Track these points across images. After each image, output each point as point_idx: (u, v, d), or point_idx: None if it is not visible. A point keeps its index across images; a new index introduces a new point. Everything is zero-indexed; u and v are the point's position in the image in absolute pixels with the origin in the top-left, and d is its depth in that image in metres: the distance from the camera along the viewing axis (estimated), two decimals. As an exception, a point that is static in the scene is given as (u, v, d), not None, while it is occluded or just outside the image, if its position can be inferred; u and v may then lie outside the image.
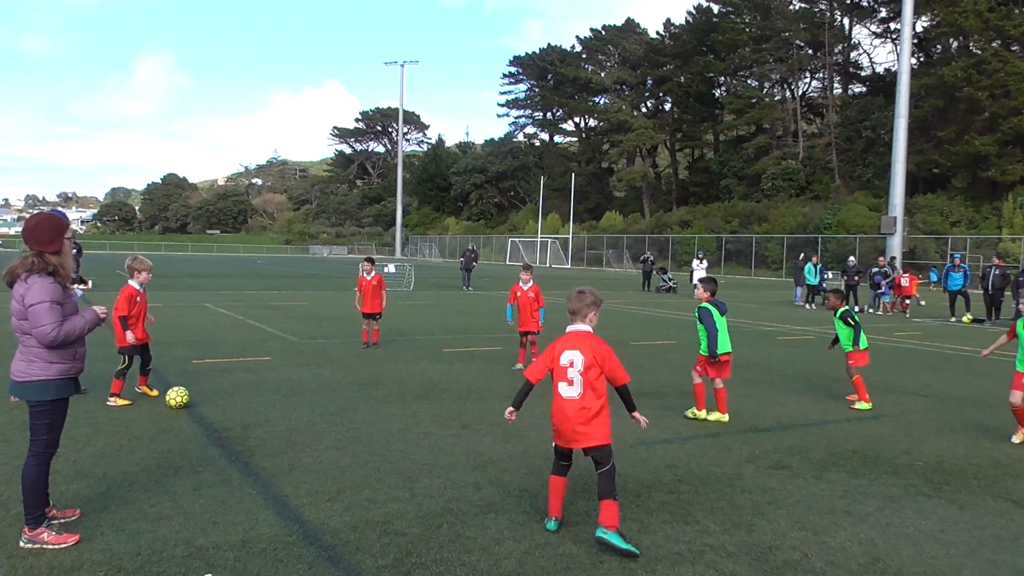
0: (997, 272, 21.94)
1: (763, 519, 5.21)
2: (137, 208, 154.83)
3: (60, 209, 13.69)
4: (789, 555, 4.60)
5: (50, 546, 4.45)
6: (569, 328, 4.86)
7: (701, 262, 31.03)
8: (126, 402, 8.32)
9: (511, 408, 4.84)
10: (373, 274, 13.14)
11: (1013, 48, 52.01)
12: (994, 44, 51.57)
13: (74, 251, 9.01)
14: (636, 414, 4.90)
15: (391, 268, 33.65)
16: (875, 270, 25.18)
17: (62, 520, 4.80)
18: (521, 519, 5.09)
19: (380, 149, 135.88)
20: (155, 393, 8.74)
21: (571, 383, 4.66)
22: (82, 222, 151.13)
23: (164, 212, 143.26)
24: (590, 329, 4.84)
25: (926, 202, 50.72)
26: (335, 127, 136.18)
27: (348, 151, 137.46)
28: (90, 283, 10.90)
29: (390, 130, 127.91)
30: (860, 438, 7.58)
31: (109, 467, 6.02)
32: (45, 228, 4.57)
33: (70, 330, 4.51)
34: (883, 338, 16.83)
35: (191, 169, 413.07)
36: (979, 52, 51.40)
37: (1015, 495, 5.90)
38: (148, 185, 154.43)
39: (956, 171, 52.30)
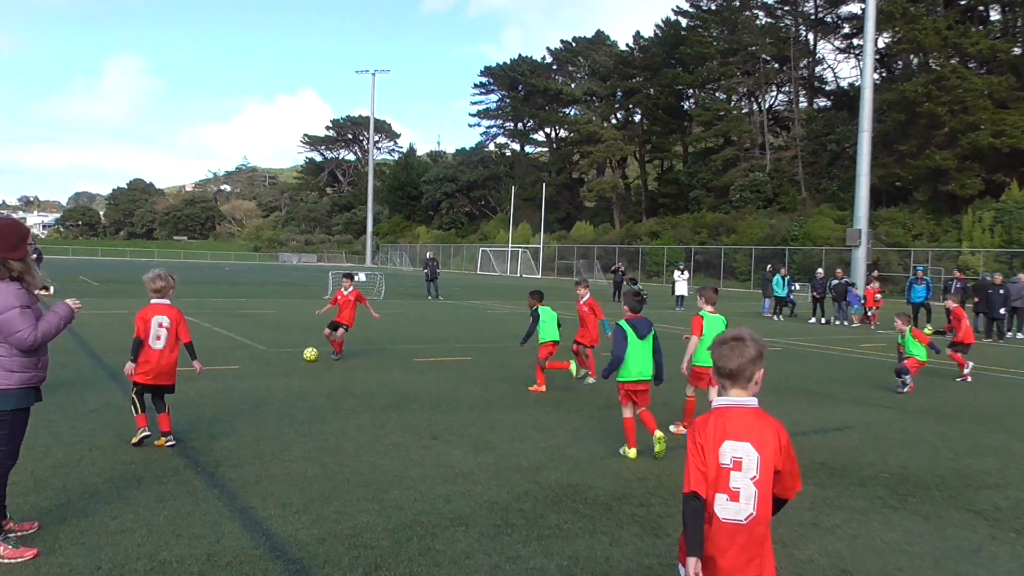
0: (959, 285, 22.42)
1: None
2: (101, 213, 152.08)
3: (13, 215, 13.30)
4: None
5: (6, 560, 4.32)
6: (721, 401, 3.04)
7: (683, 273, 31.21)
8: (142, 435, 6.84)
9: (694, 560, 2.86)
10: (351, 289, 13.17)
11: (971, 65, 53.39)
12: (953, 61, 52.87)
13: (34, 256, 8.82)
14: None
15: (361, 276, 33.40)
16: (835, 281, 25.58)
17: (19, 533, 4.66)
18: (491, 532, 5.06)
19: (351, 157, 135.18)
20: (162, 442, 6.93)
21: (735, 496, 2.90)
22: (44, 227, 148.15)
23: (129, 218, 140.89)
24: (757, 404, 3.04)
25: (889, 215, 51.68)
26: (306, 135, 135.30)
27: (319, 159, 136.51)
28: (51, 288, 10.38)
29: (361, 138, 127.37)
30: (827, 450, 7.66)
31: (69, 478, 5.87)
32: (8, 234, 4.46)
33: (47, 330, 4.41)
34: (849, 350, 17.07)
35: (158, 174, 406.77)
36: (939, 68, 52.65)
37: (977, 506, 5.99)
38: (113, 190, 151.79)
39: (918, 185, 53.40)
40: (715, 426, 2.97)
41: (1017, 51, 54.07)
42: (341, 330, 12.97)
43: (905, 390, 11.15)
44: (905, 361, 11.50)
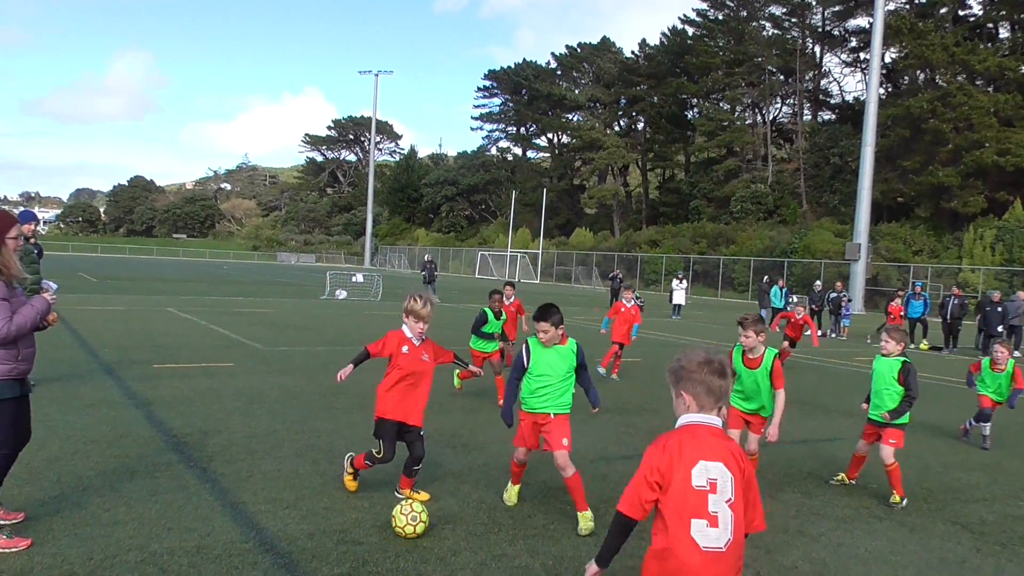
0: (956, 302, 22.49)
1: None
2: (101, 210, 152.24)
3: (27, 209, 13.21)
4: (743, 573, 4.68)
5: (1, 549, 4.37)
6: (691, 418, 2.86)
7: (680, 282, 31.25)
8: (351, 485, 5.70)
9: (595, 569, 3.07)
10: (513, 299, 12.03)
11: (978, 82, 53.45)
12: (959, 78, 52.95)
13: (35, 252, 8.87)
14: None
15: (359, 277, 33.50)
16: (833, 294, 25.63)
17: (9, 522, 4.71)
18: (479, 530, 5.12)
19: (352, 158, 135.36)
20: (425, 496, 5.72)
21: (715, 521, 2.71)
22: (44, 223, 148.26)
23: (129, 215, 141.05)
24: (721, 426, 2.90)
25: (890, 230, 51.77)
26: (307, 134, 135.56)
27: (319, 159, 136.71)
28: (55, 286, 9.95)
29: (362, 139, 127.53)
30: (815, 460, 7.71)
31: (63, 471, 5.92)
32: None
33: (21, 323, 4.41)
34: (843, 363, 17.14)
35: (159, 172, 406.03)
36: (945, 85, 52.73)
37: (963, 519, 6.05)
38: (113, 187, 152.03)
39: (920, 201, 53.45)
40: (688, 444, 2.77)
41: (1025, 69, 54.24)
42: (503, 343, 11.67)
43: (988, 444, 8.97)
44: (984, 400, 9.24)
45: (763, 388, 6.25)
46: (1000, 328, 21.32)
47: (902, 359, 6.60)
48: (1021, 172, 47.62)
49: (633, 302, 12.91)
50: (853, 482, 6.89)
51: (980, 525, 5.97)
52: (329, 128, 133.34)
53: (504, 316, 10.41)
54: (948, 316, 22.13)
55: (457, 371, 9.98)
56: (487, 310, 10.13)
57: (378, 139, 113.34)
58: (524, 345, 5.45)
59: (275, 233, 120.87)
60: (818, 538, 5.40)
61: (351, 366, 5.63)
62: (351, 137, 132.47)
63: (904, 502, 6.32)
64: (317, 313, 22.23)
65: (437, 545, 4.80)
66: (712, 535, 2.69)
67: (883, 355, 6.70)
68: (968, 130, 49.47)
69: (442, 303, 29.67)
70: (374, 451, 5.55)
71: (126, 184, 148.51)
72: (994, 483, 7.28)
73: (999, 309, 21.30)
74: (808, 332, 15.89)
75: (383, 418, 5.52)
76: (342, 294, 29.87)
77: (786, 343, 15.35)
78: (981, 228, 46.29)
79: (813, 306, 25.93)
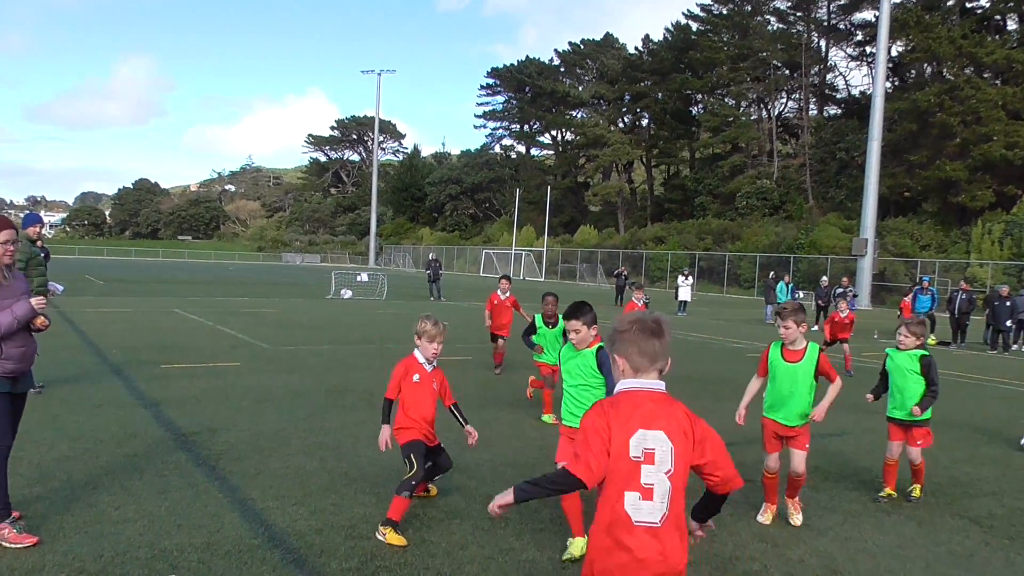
0: (964, 296, 22.41)
1: (725, 530, 5.28)
2: (107, 213, 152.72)
3: (32, 212, 13.22)
4: (749, 566, 4.68)
5: (9, 544, 4.40)
6: (629, 384, 2.64)
7: (687, 278, 31.21)
8: (400, 541, 4.80)
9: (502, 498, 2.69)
10: (508, 294, 12.26)
11: (985, 75, 53.10)
12: (967, 71, 52.59)
13: (41, 255, 8.90)
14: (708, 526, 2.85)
15: (363, 277, 33.55)
16: (839, 290, 25.57)
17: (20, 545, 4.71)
18: (485, 525, 5.13)
19: (355, 158, 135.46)
20: (434, 492, 5.87)
21: (648, 494, 2.50)
22: (50, 226, 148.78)
23: (135, 217, 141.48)
24: (664, 388, 2.66)
25: (896, 225, 51.57)
26: (310, 135, 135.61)
27: (323, 159, 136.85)
28: (61, 288, 9.98)
29: (366, 139, 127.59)
30: (823, 454, 7.70)
31: (73, 470, 5.96)
32: None
33: None
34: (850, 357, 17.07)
35: (164, 174, 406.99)
36: (952, 78, 52.34)
37: (972, 513, 6.03)
38: (119, 190, 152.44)
39: (927, 195, 53.21)
40: (625, 412, 2.55)
41: (1033, 61, 53.88)
42: (501, 341, 11.99)
43: None
44: None
45: (802, 387, 5.53)
46: (1008, 323, 21.25)
47: (921, 352, 6.38)
48: (1030, 166, 47.38)
49: (642, 301, 12.91)
50: (894, 493, 6.37)
51: (989, 519, 5.96)
52: (332, 128, 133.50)
53: (560, 324, 8.35)
54: (956, 311, 22.04)
55: (531, 378, 9.09)
56: (539, 317, 9.24)
57: (381, 139, 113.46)
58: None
59: (280, 234, 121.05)
60: (825, 532, 5.40)
61: (385, 426, 5.23)
62: (354, 137, 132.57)
63: (921, 498, 6.27)
64: (322, 313, 22.27)
65: (445, 540, 4.82)
66: (645, 508, 2.48)
67: (900, 349, 6.46)
68: (976, 123, 49.17)
69: (446, 302, 29.70)
70: (406, 476, 5.01)
71: (131, 187, 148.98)
72: (1003, 478, 7.26)
73: (1008, 304, 21.22)
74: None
75: (406, 442, 5.20)
76: (347, 294, 29.94)
77: (845, 345, 14.49)
78: (989, 222, 46.07)
79: (819, 301, 25.90)
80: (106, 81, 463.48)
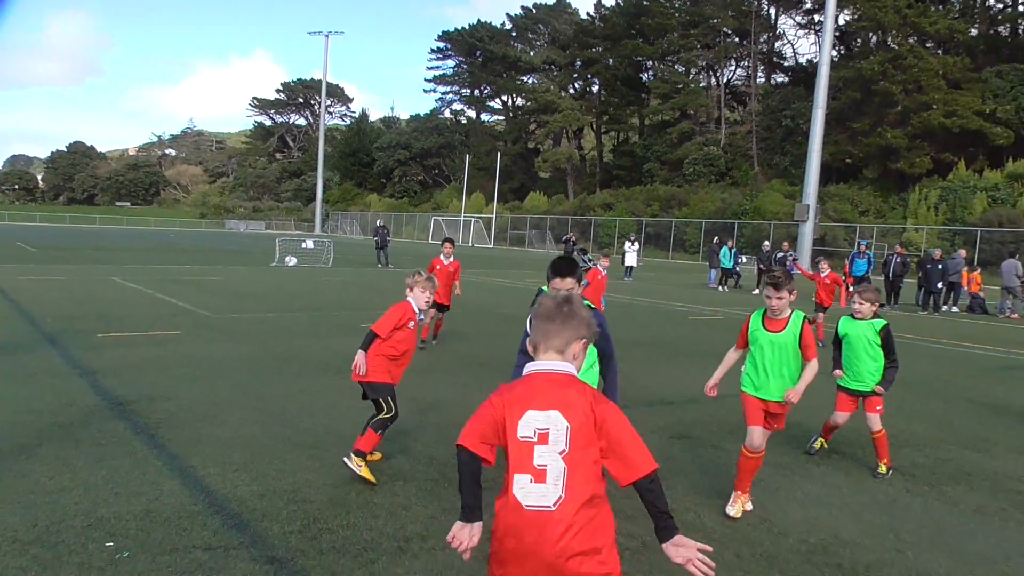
0: (898, 260, 23.14)
1: (662, 484, 5.42)
2: (39, 177, 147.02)
3: None
4: (684, 516, 4.84)
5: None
6: (529, 366, 2.58)
7: (633, 244, 31.54)
8: (371, 477, 5.20)
9: (458, 524, 2.53)
10: (452, 259, 11.91)
11: (928, 45, 54.34)
12: (910, 40, 53.72)
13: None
14: (676, 546, 2.43)
15: (309, 244, 33.11)
16: (780, 254, 26.19)
17: None
18: (429, 486, 5.20)
19: (302, 122, 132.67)
20: (379, 456, 5.76)
21: (541, 475, 2.38)
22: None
23: (69, 182, 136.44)
24: (574, 372, 2.55)
25: (838, 191, 52.78)
26: (255, 98, 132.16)
27: (268, 123, 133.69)
28: None
29: (312, 102, 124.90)
30: (760, 411, 7.93)
31: (4, 440, 5.81)
32: None
33: None
34: (789, 319, 17.55)
35: (100, 137, 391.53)
36: (896, 48, 53.45)
37: (897, 463, 6.30)
38: (52, 153, 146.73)
39: (868, 162, 54.48)
40: (520, 393, 2.47)
41: (974, 32, 55.21)
42: (437, 312, 11.22)
43: None
44: None
45: (786, 356, 5.14)
46: (940, 285, 22.05)
47: (881, 321, 6.16)
48: (966, 134, 48.79)
49: (603, 269, 12.89)
50: (826, 444, 6.52)
51: (912, 468, 6.25)
52: (278, 91, 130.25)
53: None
54: (891, 274, 22.77)
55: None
56: (545, 289, 8.46)
57: (328, 102, 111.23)
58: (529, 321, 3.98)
59: (223, 200, 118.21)
60: (757, 483, 5.57)
61: (362, 353, 5.43)
62: (301, 101, 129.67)
63: (890, 473, 5.97)
64: (267, 280, 21.95)
65: (388, 501, 4.86)
66: (536, 492, 2.34)
67: (856, 318, 6.18)
68: (917, 92, 50.37)
69: (394, 269, 29.54)
70: (381, 415, 5.39)
71: (65, 151, 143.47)
72: (930, 431, 7.59)
73: (939, 267, 22.00)
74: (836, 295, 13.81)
75: (384, 383, 5.45)
76: (292, 261, 29.52)
77: (820, 314, 13.23)
78: (926, 189, 47.49)
79: (761, 266, 26.48)
80: (38, 37, 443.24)
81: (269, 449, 5.85)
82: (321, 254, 31.21)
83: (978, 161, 48.99)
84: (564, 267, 4.38)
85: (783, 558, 4.35)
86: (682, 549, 2.39)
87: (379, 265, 30.67)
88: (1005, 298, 22.01)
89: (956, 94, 49.48)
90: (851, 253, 25.61)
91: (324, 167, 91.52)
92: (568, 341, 2.53)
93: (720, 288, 27.11)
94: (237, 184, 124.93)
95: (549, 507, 2.33)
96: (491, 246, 67.53)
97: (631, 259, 30.69)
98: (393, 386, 5.47)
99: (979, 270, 25.11)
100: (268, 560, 3.97)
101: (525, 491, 2.36)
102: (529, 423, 2.40)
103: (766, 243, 28.74)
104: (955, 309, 22.72)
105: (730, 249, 27.34)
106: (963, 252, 24.74)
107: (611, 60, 77.08)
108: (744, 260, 32.01)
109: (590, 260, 33.16)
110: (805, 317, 5.19)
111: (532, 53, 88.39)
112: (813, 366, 5.12)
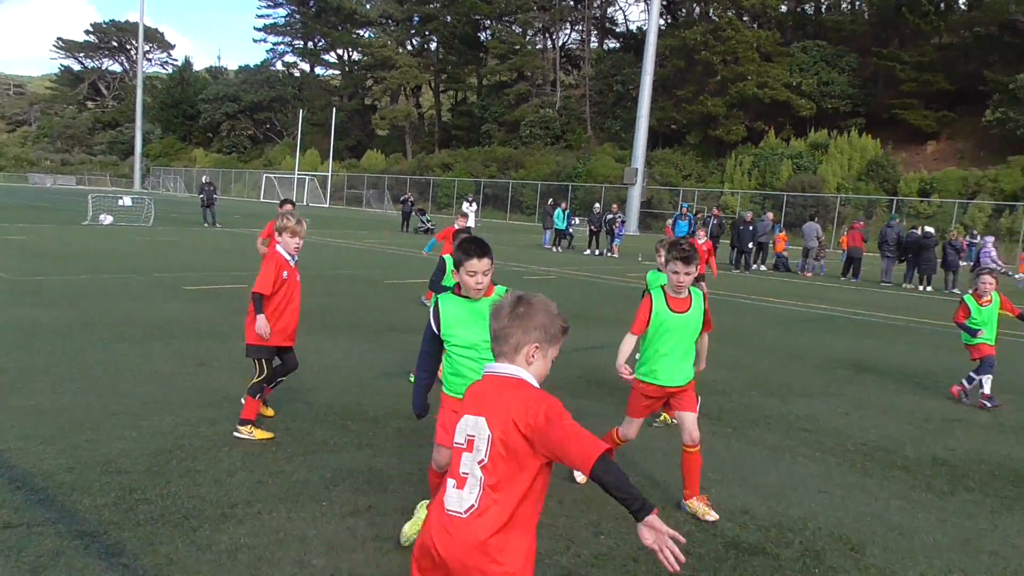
0: (715, 222, 24.87)
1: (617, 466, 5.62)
2: None
3: None
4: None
5: None
6: (486, 368, 2.51)
7: (471, 204, 31.71)
8: (266, 435, 5.32)
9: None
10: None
11: (744, 18, 57.92)
12: (729, 13, 57.07)
13: None
14: (647, 527, 2.21)
15: (126, 201, 30.82)
16: (609, 216, 27.41)
17: None
18: (256, 450, 5.09)
19: (116, 68, 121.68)
20: (271, 412, 5.86)
21: (462, 483, 2.34)
22: None
23: None
24: (525, 375, 2.42)
25: (664, 156, 55.55)
26: (60, 39, 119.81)
27: (77, 67, 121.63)
28: None
29: (128, 47, 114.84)
30: (584, 366, 8.37)
31: None
32: None
33: None
34: (617, 279, 18.44)
35: None
36: (716, 19, 56.58)
37: (704, 409, 6.79)
38: None
39: (691, 128, 57.64)
40: (468, 396, 2.48)
41: (784, 8, 59.35)
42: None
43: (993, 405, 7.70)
44: (977, 349, 7.90)
45: (692, 337, 4.77)
46: (751, 245, 23.92)
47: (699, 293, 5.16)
48: (776, 104, 52.65)
49: (462, 227, 12.39)
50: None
51: (718, 413, 6.84)
52: (88, 33, 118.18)
53: None
54: (708, 235, 24.41)
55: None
56: (448, 259, 7.52)
57: (147, 48, 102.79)
58: (434, 306, 3.87)
59: (25, 151, 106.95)
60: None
61: (262, 317, 5.19)
62: (115, 44, 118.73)
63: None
64: (79, 240, 20.27)
65: (212, 468, 4.72)
66: (454, 497, 2.33)
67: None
68: (734, 63, 53.70)
69: (222, 229, 28.17)
70: (255, 378, 5.27)
71: None
72: (734, 379, 8.30)
73: (751, 228, 23.85)
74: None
75: (262, 346, 5.25)
76: (107, 219, 27.36)
77: (703, 283, 12.21)
78: (740, 155, 51.02)
79: (592, 227, 27.57)
80: None
81: (80, 419, 5.49)
82: (141, 212, 29.14)
83: (785, 130, 53.08)
84: (478, 247, 3.78)
85: (599, 502, 4.61)
86: (652, 532, 2.20)
87: (205, 224, 29.06)
88: (806, 257, 24.24)
89: (767, 66, 53.24)
90: (674, 215, 27.20)
91: (143, 119, 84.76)
92: (519, 345, 2.42)
93: (554, 249, 27.96)
94: (42, 134, 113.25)
95: (461, 514, 2.30)
96: (327, 205, 65.69)
97: (470, 220, 30.92)
98: (264, 347, 5.26)
99: (784, 231, 27.49)
100: (77, 535, 3.76)
101: (448, 495, 2.35)
102: (462, 428, 2.39)
103: (597, 205, 29.88)
104: (763, 268, 24.75)
105: (564, 211, 28.22)
106: (771, 215, 26.95)
107: (449, 17, 76.25)
108: (577, 222, 33.13)
109: (429, 221, 33.29)
110: (702, 295, 4.84)
111: (368, 6, 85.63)
112: (705, 339, 5.10)
